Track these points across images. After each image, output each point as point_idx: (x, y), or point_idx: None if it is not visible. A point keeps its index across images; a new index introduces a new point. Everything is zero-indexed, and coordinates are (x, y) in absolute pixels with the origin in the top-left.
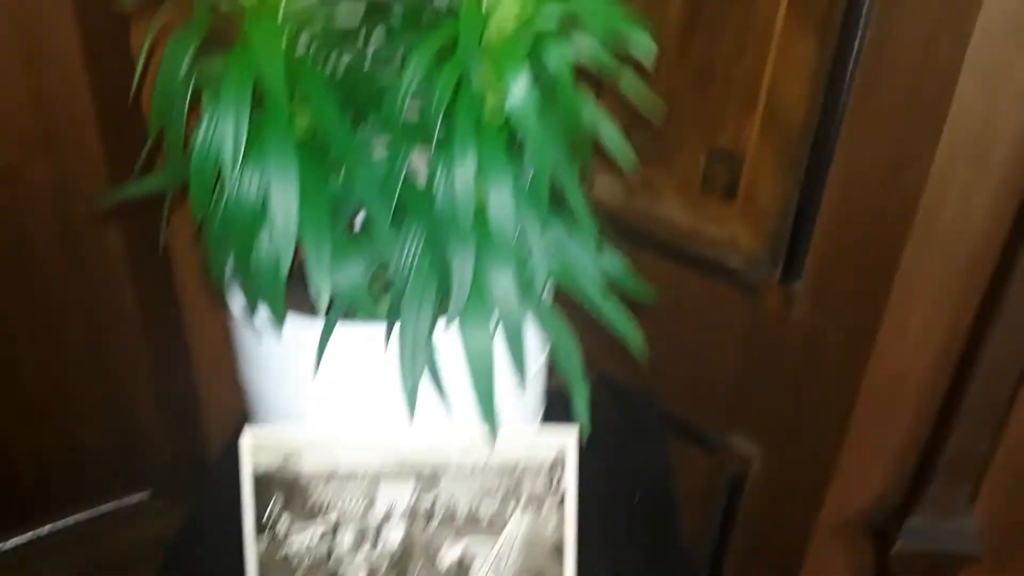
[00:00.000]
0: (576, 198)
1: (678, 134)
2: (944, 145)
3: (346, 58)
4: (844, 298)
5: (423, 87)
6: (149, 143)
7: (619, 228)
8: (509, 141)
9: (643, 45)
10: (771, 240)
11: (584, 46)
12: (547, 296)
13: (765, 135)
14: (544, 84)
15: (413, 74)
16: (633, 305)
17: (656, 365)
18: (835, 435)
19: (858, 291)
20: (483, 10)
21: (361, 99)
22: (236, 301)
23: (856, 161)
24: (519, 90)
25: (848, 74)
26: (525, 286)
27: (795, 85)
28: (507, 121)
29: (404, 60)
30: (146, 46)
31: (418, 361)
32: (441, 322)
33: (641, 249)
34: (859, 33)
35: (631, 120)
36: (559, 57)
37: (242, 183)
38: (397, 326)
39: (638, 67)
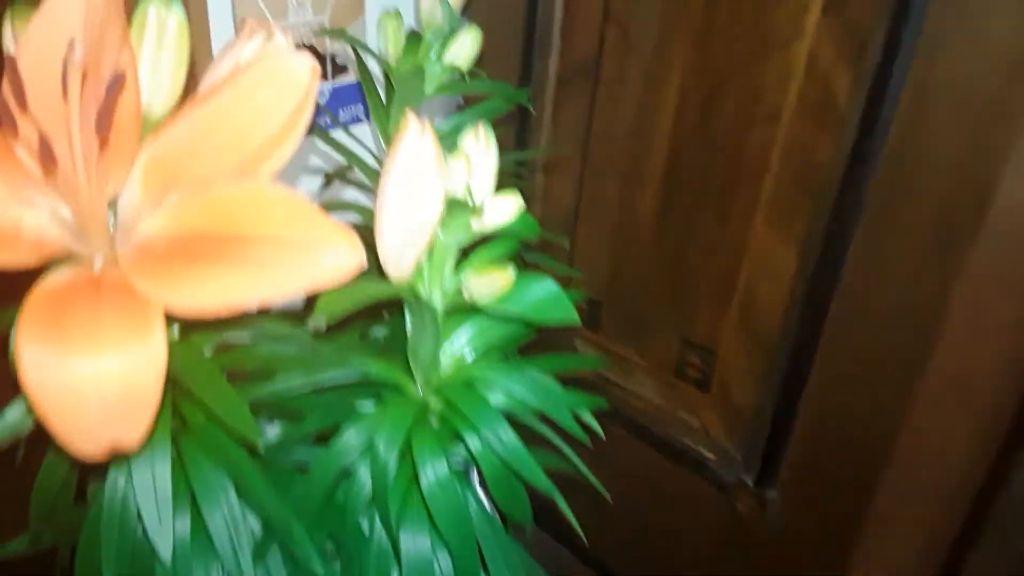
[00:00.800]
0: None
1: (651, 317)
2: (927, 380)
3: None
4: (819, 514)
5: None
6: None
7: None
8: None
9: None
10: (745, 441)
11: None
12: None
13: (740, 335)
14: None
15: (332, 470)
16: (607, 480)
17: (628, 544)
18: None
19: (834, 509)
20: (412, 408)
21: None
22: None
23: (835, 380)
24: (430, 478)
25: (828, 297)
26: None
27: (772, 291)
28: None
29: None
30: None
31: None
32: None
33: (611, 423)
34: (842, 259)
35: (604, 292)
36: (485, 453)
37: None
38: None
39: (614, 240)
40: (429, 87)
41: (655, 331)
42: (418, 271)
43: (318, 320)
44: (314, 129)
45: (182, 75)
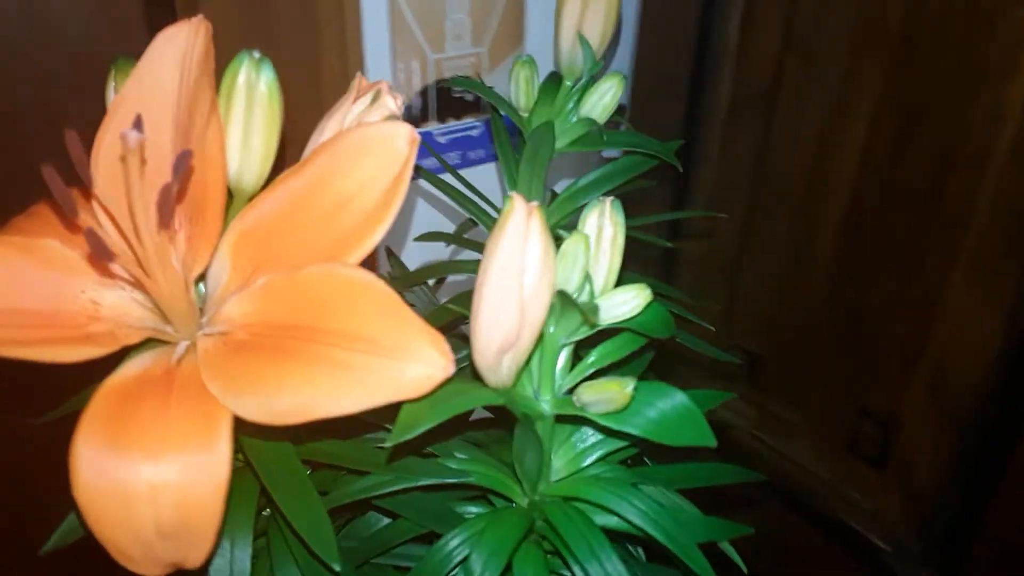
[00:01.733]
0: None
1: (821, 378)
2: None
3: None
4: None
5: None
6: None
7: (738, 454)
8: None
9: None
10: (926, 531)
11: None
12: None
13: (928, 408)
14: None
15: None
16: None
17: None
18: None
19: None
20: (518, 525)
21: None
22: None
23: None
24: None
25: None
26: None
27: (970, 361)
28: None
29: None
30: None
31: None
32: None
33: (764, 491)
34: None
35: (766, 345)
36: None
37: None
38: None
39: (782, 287)
40: (562, 141)
41: (825, 394)
42: (527, 370)
43: (397, 439)
44: (419, 173)
45: (275, 141)
